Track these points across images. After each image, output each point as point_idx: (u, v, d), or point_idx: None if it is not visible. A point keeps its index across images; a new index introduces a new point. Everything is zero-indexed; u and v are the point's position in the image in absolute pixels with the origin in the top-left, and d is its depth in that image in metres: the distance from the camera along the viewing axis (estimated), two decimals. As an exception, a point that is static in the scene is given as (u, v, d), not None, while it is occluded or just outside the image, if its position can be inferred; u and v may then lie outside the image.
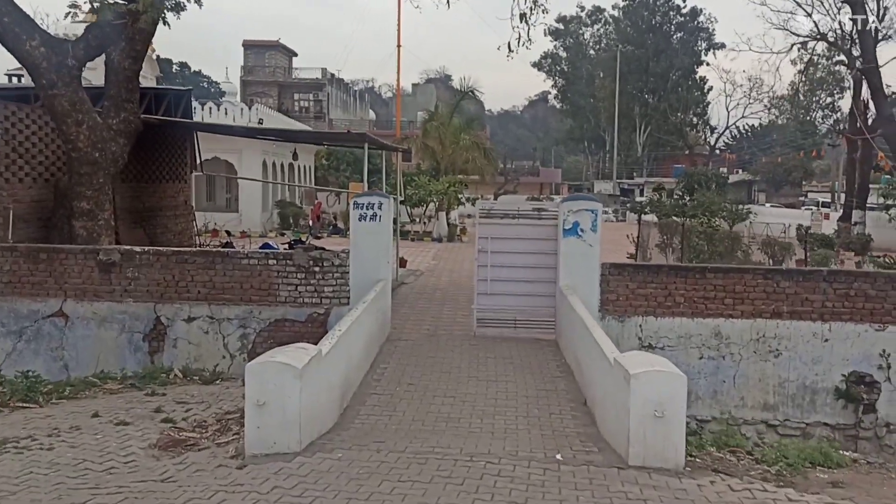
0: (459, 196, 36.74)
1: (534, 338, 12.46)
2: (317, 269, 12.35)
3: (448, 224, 33.26)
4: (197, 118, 30.35)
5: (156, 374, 10.73)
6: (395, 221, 25.20)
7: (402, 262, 21.24)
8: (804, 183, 65.35)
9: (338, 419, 8.20)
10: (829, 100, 74.73)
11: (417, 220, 35.30)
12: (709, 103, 66.94)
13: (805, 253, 17.64)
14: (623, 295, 12.07)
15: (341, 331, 8.62)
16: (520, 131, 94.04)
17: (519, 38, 14.41)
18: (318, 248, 13.82)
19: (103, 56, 14.22)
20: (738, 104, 67.07)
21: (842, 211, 32.85)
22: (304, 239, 17.08)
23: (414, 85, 63.77)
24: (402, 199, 30.40)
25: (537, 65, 76.20)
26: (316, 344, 8.29)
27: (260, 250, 12.52)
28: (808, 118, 73.00)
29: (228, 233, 18.18)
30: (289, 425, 6.84)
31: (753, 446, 8.34)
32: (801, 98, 75.16)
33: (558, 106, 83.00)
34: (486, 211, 12.67)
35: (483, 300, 12.61)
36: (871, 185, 31.29)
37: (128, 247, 12.70)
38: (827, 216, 33.33)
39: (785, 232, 25.16)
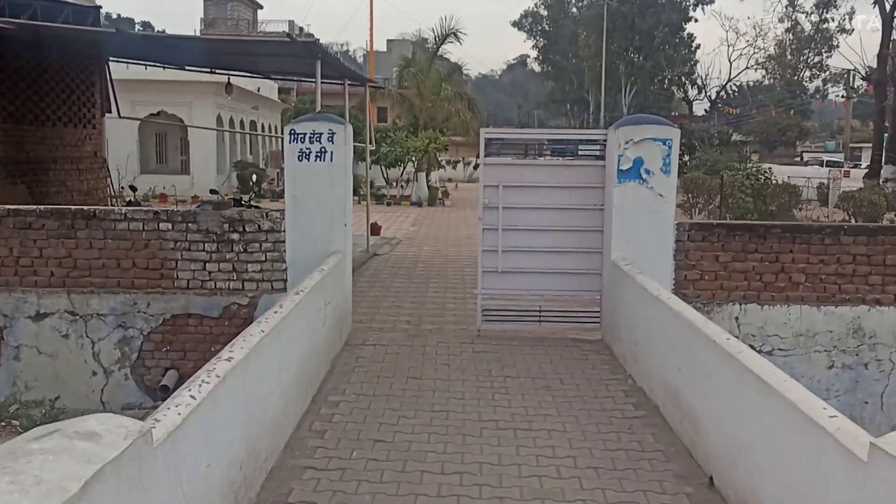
0: (440, 158, 31.99)
1: (569, 337, 7.97)
2: (235, 236, 7.71)
3: (428, 186, 28.58)
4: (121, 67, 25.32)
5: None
6: (369, 185, 20.59)
7: (376, 229, 16.66)
8: (798, 142, 61.14)
9: (218, 558, 3.65)
10: (817, 59, 70.61)
11: (395, 183, 30.57)
12: (697, 61, 62.13)
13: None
14: (710, 271, 7.58)
15: (232, 361, 4.03)
16: (499, 96, 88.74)
17: None
18: (243, 205, 9.13)
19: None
20: (741, 54, 62.31)
21: (867, 167, 28.60)
22: (244, 199, 12.52)
23: (389, 41, 58.16)
24: (375, 152, 25.63)
25: (517, 24, 70.85)
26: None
27: (145, 208, 7.84)
28: (796, 78, 68.79)
29: (133, 188, 13.33)
30: None
31: None
32: (789, 57, 70.94)
33: (538, 69, 77.91)
34: (496, 144, 8.05)
35: (491, 281, 8.05)
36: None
37: (-62, 206, 7.94)
38: (847, 173, 29.11)
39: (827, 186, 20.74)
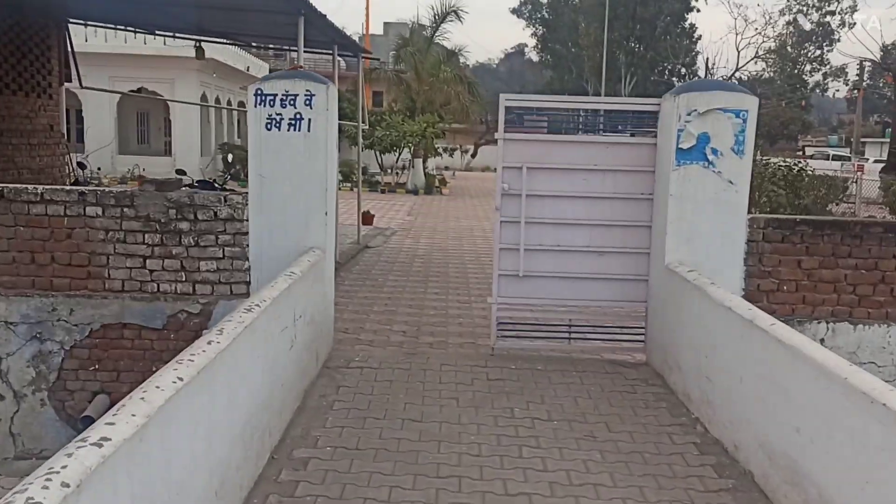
0: (437, 146, 30.10)
1: (605, 359, 6.27)
2: (184, 225, 5.96)
3: (425, 174, 26.79)
4: (100, 40, 23.46)
5: None
6: (363, 170, 18.80)
7: (368, 218, 14.94)
8: (800, 136, 59.53)
9: None
10: (817, 52, 69.06)
11: (389, 170, 28.78)
12: (698, 52, 60.35)
13: None
14: (790, 279, 5.90)
15: (106, 447, 2.31)
16: (496, 84, 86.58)
17: None
18: (216, 188, 7.37)
19: None
20: (749, 43, 60.59)
21: (883, 161, 26.97)
22: (217, 182, 10.77)
23: (386, 24, 56.04)
24: (370, 136, 23.77)
25: (516, 11, 69.00)
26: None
27: (68, 188, 6.07)
28: (796, 71, 67.26)
29: (82, 165, 11.48)
30: None
31: None
32: (789, 50, 69.34)
33: (536, 58, 76.16)
34: (518, 114, 6.31)
35: (510, 287, 6.32)
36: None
37: None
38: (861, 168, 27.48)
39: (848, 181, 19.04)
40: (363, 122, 13.61)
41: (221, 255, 5.97)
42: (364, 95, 14.59)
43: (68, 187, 5.93)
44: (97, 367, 5.95)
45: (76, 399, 6.01)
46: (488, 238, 14.62)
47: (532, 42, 73.31)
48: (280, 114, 5.79)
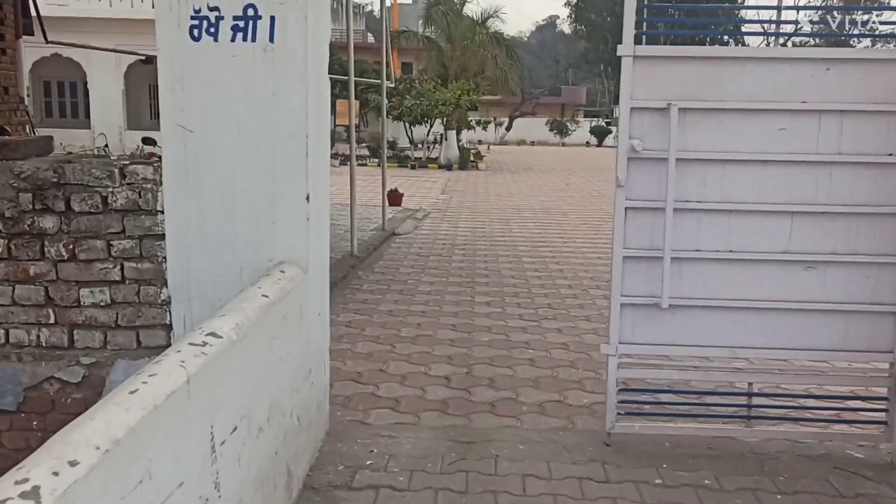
0: (469, 119, 27.07)
1: (811, 455, 3.37)
2: (49, 222, 3.16)
3: (459, 147, 23.86)
4: (104, 5, 20.94)
5: None
6: (391, 145, 15.98)
7: (395, 198, 12.16)
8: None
9: None
10: (865, 17, 64.41)
11: (420, 144, 25.89)
12: (744, 20, 56.15)
13: None
14: None
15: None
16: (528, 57, 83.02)
17: None
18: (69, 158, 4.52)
19: None
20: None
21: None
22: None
23: (415, -9, 52.63)
24: (398, 106, 20.89)
25: (549, -20, 65.10)
26: None
27: None
28: (842, 39, 62.68)
29: (4, 131, 9.02)
30: None
31: None
32: (835, 15, 64.72)
33: (568, 31, 72.70)
34: (661, 6, 3.41)
35: (642, 326, 3.41)
36: None
37: None
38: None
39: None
40: (388, 79, 10.75)
41: (119, 276, 3.18)
42: (389, 38, 11.68)
43: None
44: None
45: None
46: (542, 221, 11.68)
47: (565, 12, 69.53)
48: (217, 7, 2.95)
